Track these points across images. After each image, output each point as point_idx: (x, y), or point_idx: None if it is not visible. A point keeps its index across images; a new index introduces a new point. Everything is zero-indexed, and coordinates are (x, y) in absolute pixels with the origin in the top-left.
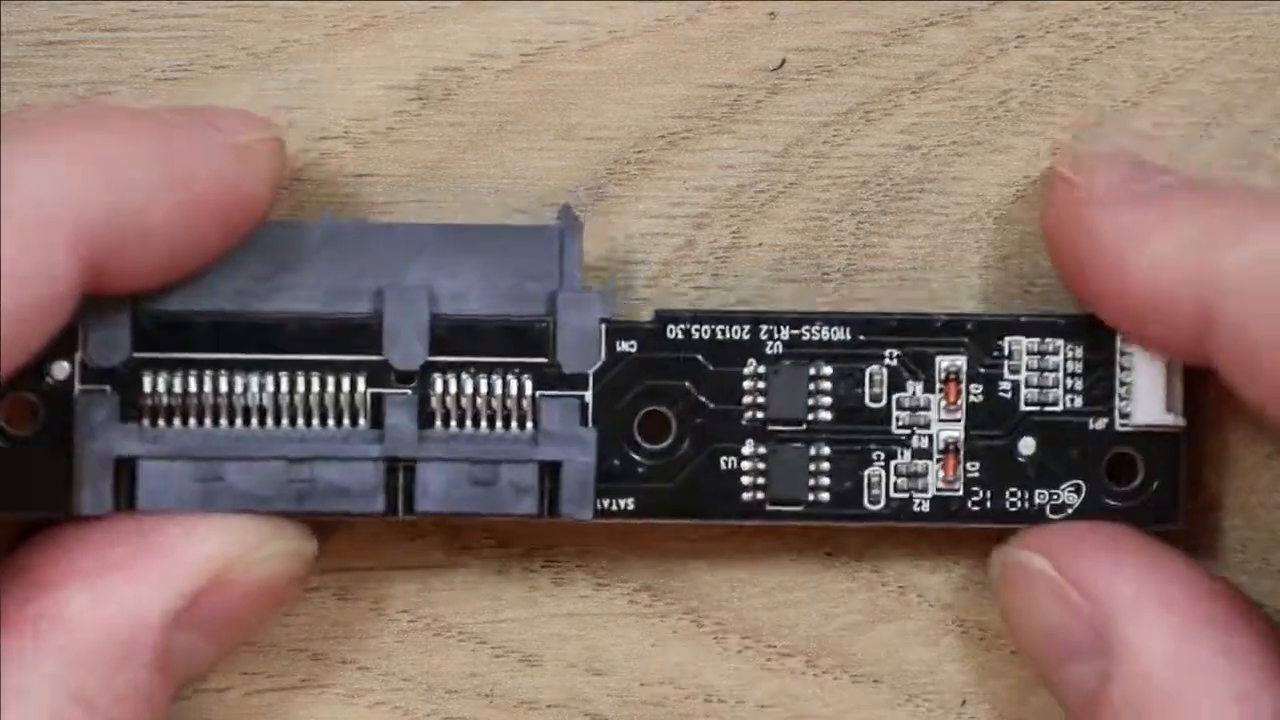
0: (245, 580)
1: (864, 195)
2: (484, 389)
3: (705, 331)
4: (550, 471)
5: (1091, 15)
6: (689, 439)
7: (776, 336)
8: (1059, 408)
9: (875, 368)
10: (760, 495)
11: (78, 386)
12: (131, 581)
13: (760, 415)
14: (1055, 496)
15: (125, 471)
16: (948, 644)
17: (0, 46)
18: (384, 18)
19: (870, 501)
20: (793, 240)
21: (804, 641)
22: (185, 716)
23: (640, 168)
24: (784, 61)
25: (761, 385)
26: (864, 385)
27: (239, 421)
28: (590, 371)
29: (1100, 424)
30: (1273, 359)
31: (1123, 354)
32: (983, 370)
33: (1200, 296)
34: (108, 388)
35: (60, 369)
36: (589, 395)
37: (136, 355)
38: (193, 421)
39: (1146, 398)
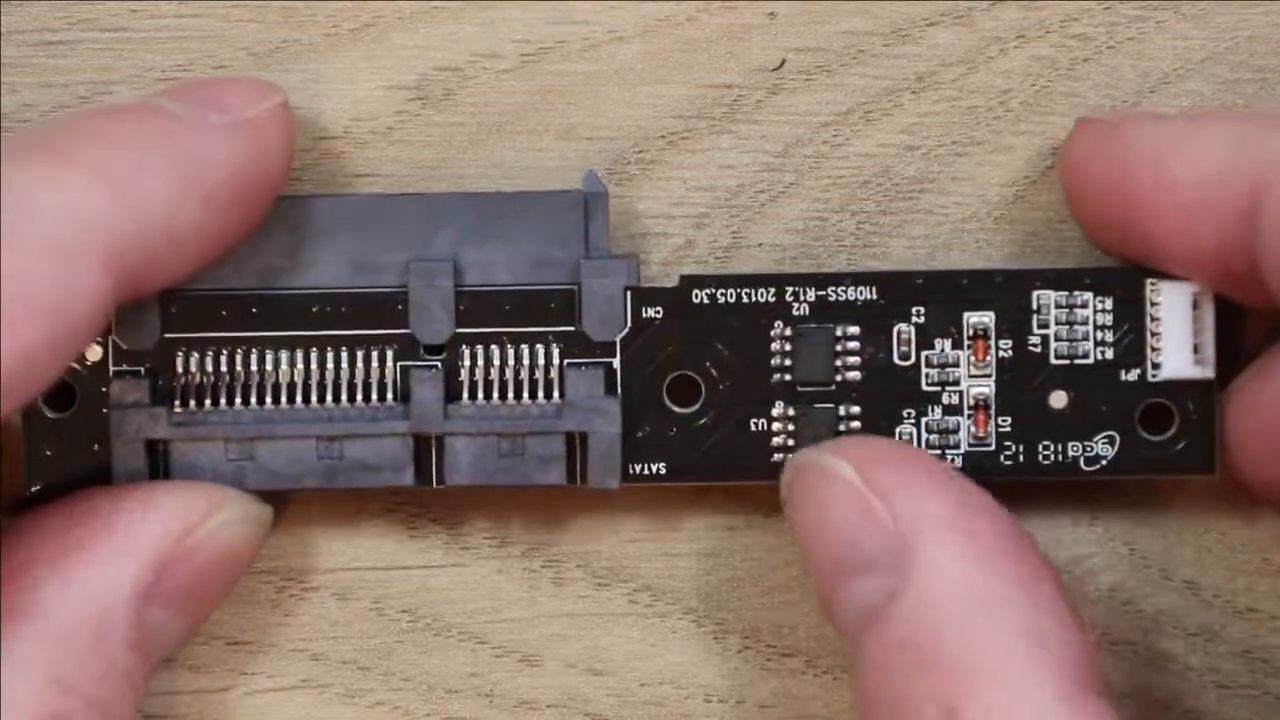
0: (208, 549)
1: (864, 195)
2: (511, 359)
3: (730, 295)
4: (578, 440)
5: (1091, 15)
6: (718, 402)
7: (802, 298)
8: (1090, 360)
9: (903, 326)
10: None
11: (110, 369)
12: (96, 561)
13: (788, 377)
14: (1089, 448)
15: (159, 453)
16: None
17: (0, 46)
18: (384, 18)
19: None
20: (793, 240)
21: (804, 641)
22: (186, 716)
23: (640, 168)
24: (784, 61)
25: (789, 347)
26: (892, 344)
27: (269, 400)
28: (616, 339)
29: (1132, 375)
30: None
31: (1152, 304)
32: (1011, 325)
33: (1252, 179)
34: (140, 369)
35: (93, 352)
36: (616, 362)
37: (167, 336)
38: (223, 401)
39: (1175, 353)
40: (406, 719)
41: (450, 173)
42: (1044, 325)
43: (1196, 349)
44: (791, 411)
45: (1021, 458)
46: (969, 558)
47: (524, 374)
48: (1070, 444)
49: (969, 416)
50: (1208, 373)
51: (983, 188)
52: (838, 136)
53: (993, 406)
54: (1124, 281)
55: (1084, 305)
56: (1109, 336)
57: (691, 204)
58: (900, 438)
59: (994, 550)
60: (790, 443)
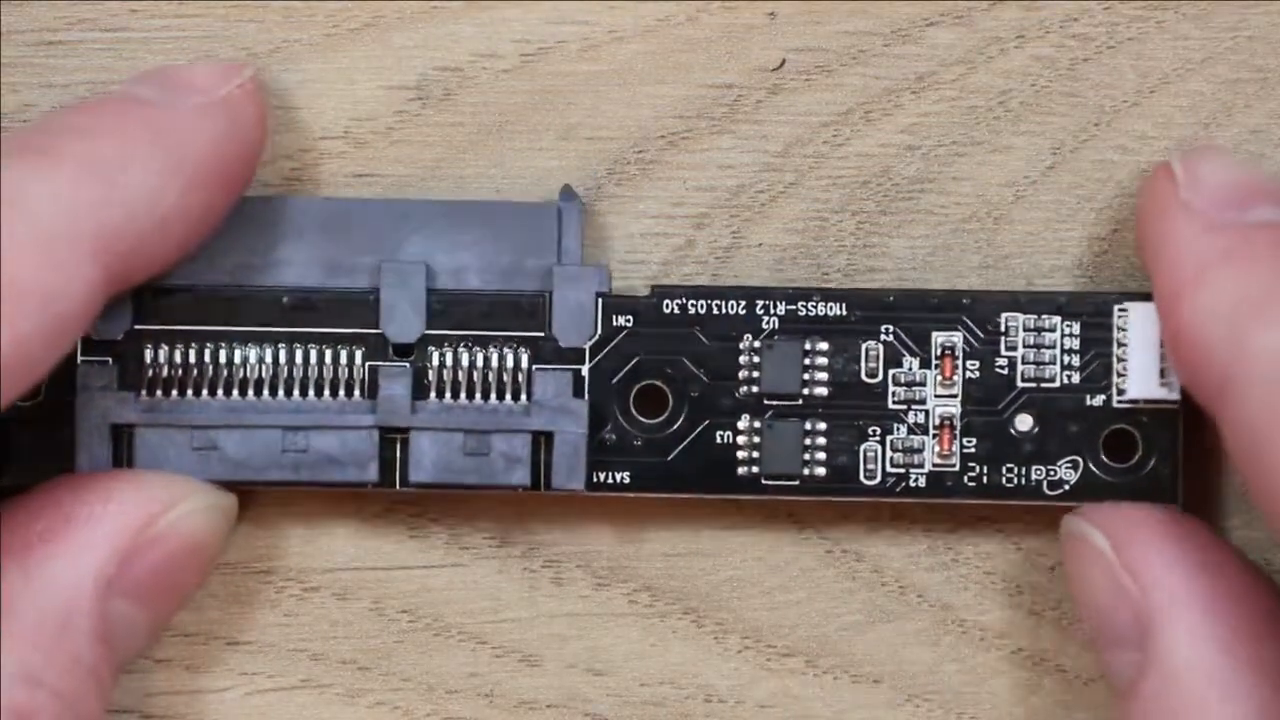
0: (170, 540)
1: (864, 195)
2: (479, 362)
3: (701, 306)
4: (543, 443)
5: (1091, 15)
6: (684, 413)
7: (772, 312)
8: (1056, 384)
9: (871, 343)
10: (755, 470)
11: (79, 358)
12: (57, 555)
13: (755, 390)
14: (1052, 473)
15: (124, 439)
16: (948, 644)
17: (0, 46)
18: (384, 18)
19: (866, 477)
20: (793, 240)
21: (804, 641)
22: (186, 716)
23: (640, 168)
24: (784, 61)
25: (757, 360)
26: (860, 361)
27: (236, 393)
28: (586, 345)
29: (1098, 400)
30: (1272, 451)
31: (1119, 330)
32: (979, 346)
33: (1223, 366)
34: (109, 359)
35: None
36: (584, 369)
37: (137, 327)
38: (190, 393)
39: (1142, 372)
40: (406, 719)
41: (450, 173)
42: (1012, 347)
43: (1163, 373)
44: (757, 425)
45: (985, 479)
46: (1204, 636)
47: (492, 377)
48: (1034, 468)
49: (934, 436)
50: (1173, 394)
51: (983, 188)
52: (838, 136)
53: (958, 427)
54: (1093, 306)
55: (1052, 329)
56: (1076, 360)
57: (691, 204)
58: (864, 456)
59: (1231, 626)
60: (755, 455)
